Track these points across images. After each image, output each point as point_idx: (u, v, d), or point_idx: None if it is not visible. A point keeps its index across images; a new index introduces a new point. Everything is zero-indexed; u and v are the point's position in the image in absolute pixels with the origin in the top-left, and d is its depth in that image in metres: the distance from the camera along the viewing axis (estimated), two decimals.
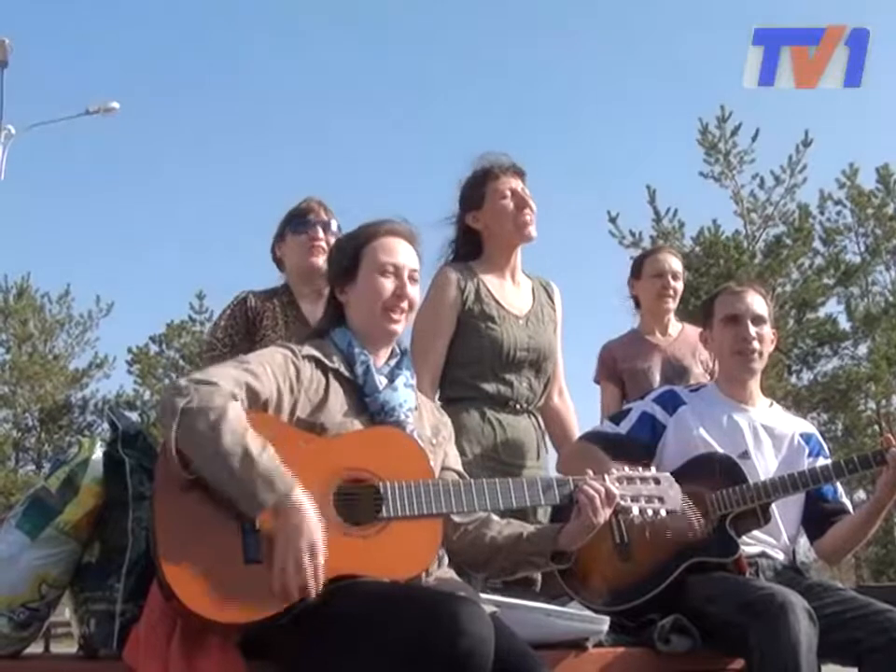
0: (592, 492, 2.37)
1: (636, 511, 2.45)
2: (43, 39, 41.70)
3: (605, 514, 2.40)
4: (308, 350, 2.48)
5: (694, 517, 2.88)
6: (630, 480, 2.49)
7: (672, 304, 4.37)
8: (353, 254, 2.59)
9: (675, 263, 4.41)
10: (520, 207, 3.54)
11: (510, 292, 3.61)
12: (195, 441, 2.14)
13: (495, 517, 2.59)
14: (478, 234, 3.62)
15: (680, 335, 4.34)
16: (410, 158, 48.11)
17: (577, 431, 3.73)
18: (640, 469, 2.53)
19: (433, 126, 47.62)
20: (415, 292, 2.59)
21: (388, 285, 2.53)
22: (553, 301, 3.75)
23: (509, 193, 3.55)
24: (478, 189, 3.59)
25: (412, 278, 2.58)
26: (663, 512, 2.48)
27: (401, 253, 2.57)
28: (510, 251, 3.62)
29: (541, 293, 3.73)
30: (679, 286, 4.42)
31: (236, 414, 2.18)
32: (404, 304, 2.54)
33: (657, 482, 2.51)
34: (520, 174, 3.62)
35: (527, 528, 2.54)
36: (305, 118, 45.91)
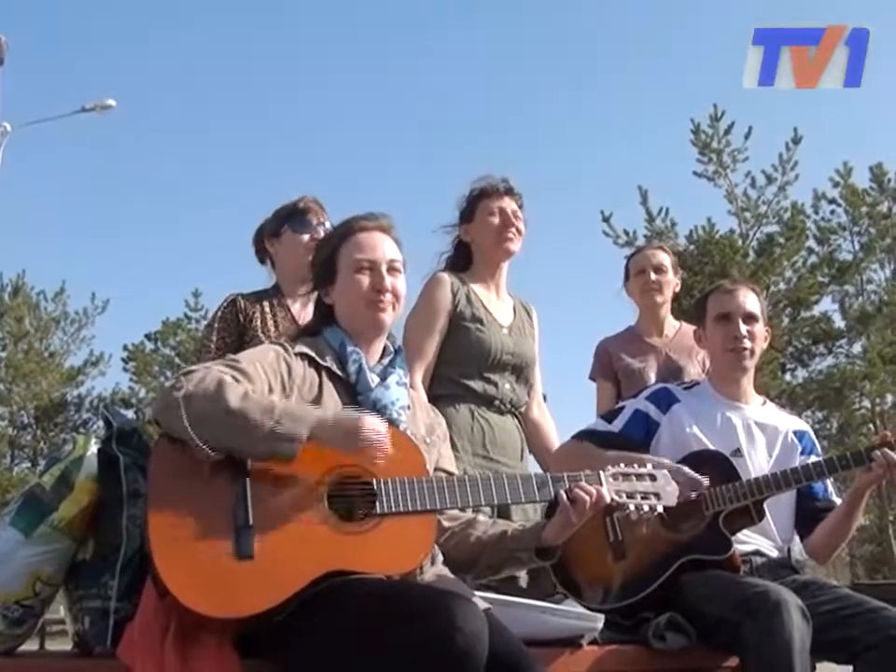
0: (583, 494, 2.36)
1: (632, 507, 2.43)
2: (39, 37, 41.60)
3: (588, 515, 2.39)
4: (301, 348, 2.48)
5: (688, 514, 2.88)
6: (626, 476, 2.47)
7: (659, 298, 4.31)
8: (329, 257, 2.60)
9: (655, 257, 4.36)
10: (505, 225, 3.75)
11: (495, 304, 3.81)
12: (207, 417, 2.16)
13: (481, 518, 2.59)
14: (468, 248, 3.83)
15: (677, 335, 4.31)
16: (408, 159, 48.10)
17: (557, 442, 3.83)
18: (636, 465, 2.51)
19: (429, 125, 47.63)
20: (399, 282, 2.58)
21: (365, 280, 2.52)
22: (532, 321, 3.94)
23: (497, 211, 3.76)
24: (471, 204, 3.81)
25: (392, 269, 2.56)
26: (659, 508, 2.46)
27: (375, 247, 2.56)
28: (494, 266, 3.83)
29: (522, 311, 3.92)
30: (666, 278, 4.33)
31: (232, 382, 2.23)
32: (386, 296, 2.53)
33: (653, 478, 2.50)
34: (513, 196, 3.82)
35: (512, 526, 2.54)
36: (306, 115, 45.90)
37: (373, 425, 2.25)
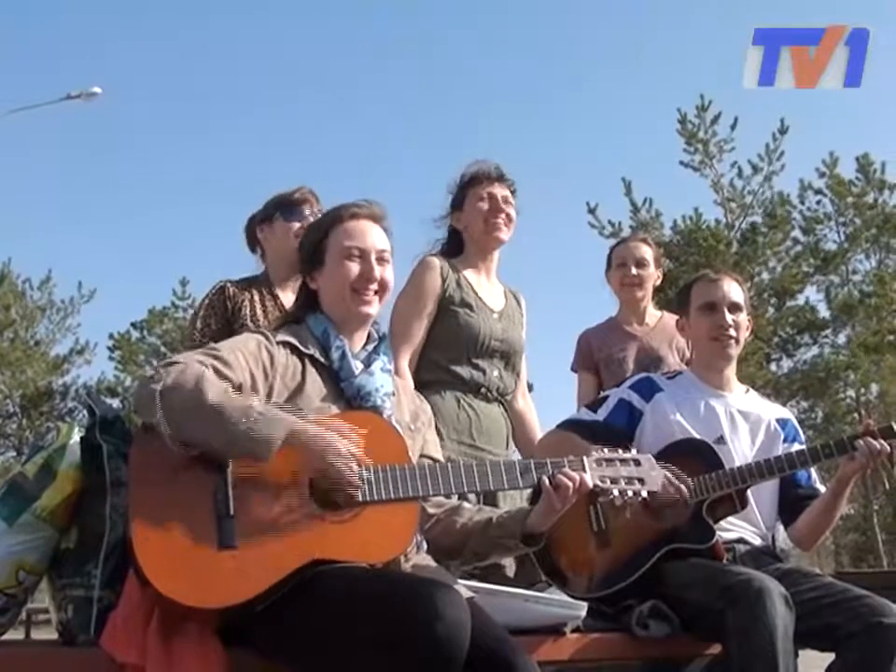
0: (566, 480, 2.35)
1: (615, 493, 2.43)
2: (24, 24, 41.37)
3: (572, 501, 2.38)
4: (283, 336, 2.47)
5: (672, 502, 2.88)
6: (610, 462, 2.47)
7: (639, 293, 4.31)
8: (318, 241, 2.58)
9: (638, 251, 4.35)
10: (494, 211, 3.72)
11: (486, 289, 3.78)
12: (184, 413, 2.14)
13: (466, 505, 2.59)
14: (460, 235, 3.81)
15: (658, 324, 4.32)
16: (403, 155, 48.07)
17: (540, 434, 3.81)
18: (620, 451, 2.51)
19: (419, 121, 47.58)
20: (387, 273, 2.57)
21: (354, 268, 2.51)
22: (521, 309, 3.93)
23: (486, 196, 3.73)
24: (461, 191, 3.79)
25: (381, 259, 2.55)
26: (644, 493, 2.45)
27: (366, 235, 2.55)
28: (484, 252, 3.81)
29: (512, 299, 3.90)
30: (647, 272, 4.33)
31: (212, 377, 2.21)
32: (373, 286, 2.52)
33: (637, 463, 2.49)
34: (504, 182, 3.79)
35: (497, 513, 2.54)
36: (298, 104, 45.80)
37: (346, 454, 2.20)
